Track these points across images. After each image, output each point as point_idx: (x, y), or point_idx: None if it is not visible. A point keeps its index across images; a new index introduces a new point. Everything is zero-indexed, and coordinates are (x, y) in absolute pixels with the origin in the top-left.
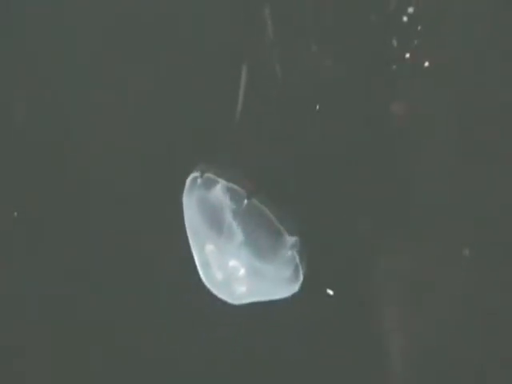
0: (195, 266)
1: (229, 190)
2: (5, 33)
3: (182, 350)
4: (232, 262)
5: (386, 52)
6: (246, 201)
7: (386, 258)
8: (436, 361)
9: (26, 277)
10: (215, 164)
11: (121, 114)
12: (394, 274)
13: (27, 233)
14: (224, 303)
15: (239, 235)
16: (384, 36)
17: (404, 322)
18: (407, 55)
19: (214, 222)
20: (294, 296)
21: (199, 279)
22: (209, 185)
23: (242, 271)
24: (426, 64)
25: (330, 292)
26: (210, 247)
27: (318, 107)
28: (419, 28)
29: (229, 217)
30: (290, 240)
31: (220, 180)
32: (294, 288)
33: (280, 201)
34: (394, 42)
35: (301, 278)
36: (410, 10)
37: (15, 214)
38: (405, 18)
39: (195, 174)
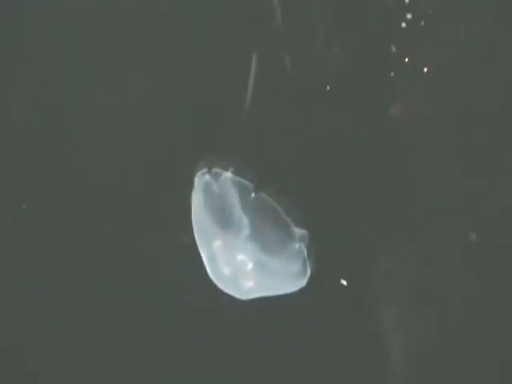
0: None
1: (236, 183)
2: (5, 33)
3: (183, 349)
4: (240, 257)
5: (386, 56)
6: (253, 194)
7: (386, 259)
8: (436, 361)
9: (26, 277)
10: (220, 159)
11: (121, 114)
12: (393, 275)
13: (27, 233)
14: (225, 302)
15: (247, 229)
16: (383, 41)
17: (404, 322)
18: (406, 59)
19: (222, 216)
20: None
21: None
22: (216, 180)
23: (250, 265)
24: (425, 70)
25: (344, 282)
26: (217, 243)
27: (328, 88)
28: (418, 33)
29: (237, 211)
30: (298, 232)
31: (227, 174)
32: (302, 283)
33: (287, 194)
34: (393, 47)
35: (308, 272)
36: (409, 16)
37: (16, 210)
38: (403, 24)
39: (203, 170)
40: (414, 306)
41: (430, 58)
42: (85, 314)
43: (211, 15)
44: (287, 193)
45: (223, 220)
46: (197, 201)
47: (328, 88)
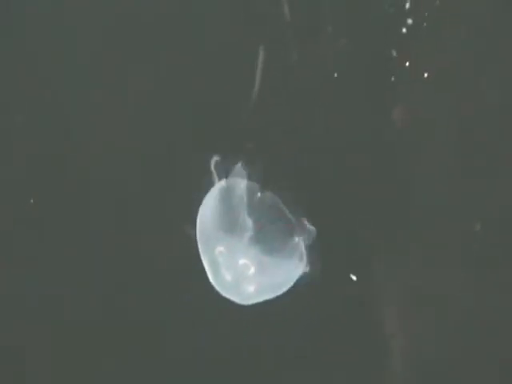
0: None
1: (242, 184)
2: (5, 33)
3: (182, 350)
4: (242, 261)
5: (387, 61)
6: (259, 194)
7: (386, 259)
8: (436, 361)
9: (26, 277)
10: (222, 160)
11: (121, 114)
12: (393, 275)
13: (27, 232)
14: (225, 302)
15: (250, 231)
16: (384, 46)
17: (404, 321)
18: (407, 64)
19: (227, 220)
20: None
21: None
22: (223, 183)
23: (252, 270)
24: (426, 74)
25: (354, 277)
26: (220, 249)
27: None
28: (418, 38)
29: (242, 213)
30: (307, 227)
31: (233, 176)
32: (300, 272)
33: (287, 193)
34: (394, 52)
35: (305, 260)
36: (409, 21)
37: (23, 207)
38: (404, 29)
39: (210, 174)
40: (414, 306)
41: (430, 62)
42: (85, 314)
43: (211, 15)
44: (287, 192)
45: (227, 223)
46: (203, 205)
47: (329, 91)
